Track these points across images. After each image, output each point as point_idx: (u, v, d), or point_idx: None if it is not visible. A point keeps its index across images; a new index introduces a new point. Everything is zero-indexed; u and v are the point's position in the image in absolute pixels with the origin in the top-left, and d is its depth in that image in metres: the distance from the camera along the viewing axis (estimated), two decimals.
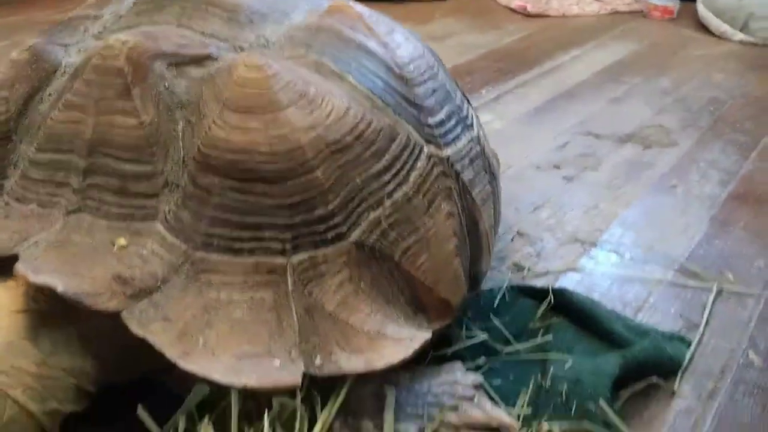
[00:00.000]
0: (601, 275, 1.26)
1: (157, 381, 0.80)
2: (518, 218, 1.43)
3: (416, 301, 0.84)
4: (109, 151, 0.78)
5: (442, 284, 0.86)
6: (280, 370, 0.68)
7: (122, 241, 0.74)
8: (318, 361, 0.71)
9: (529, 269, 1.26)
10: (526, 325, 1.08)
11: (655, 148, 1.80)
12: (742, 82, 2.27)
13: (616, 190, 1.58)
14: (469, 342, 0.99)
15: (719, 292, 1.21)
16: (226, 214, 0.76)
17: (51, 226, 0.77)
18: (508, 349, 1.01)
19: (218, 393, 0.70)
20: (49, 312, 0.73)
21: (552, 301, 1.11)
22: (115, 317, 0.69)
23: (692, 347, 1.06)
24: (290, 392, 0.70)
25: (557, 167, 1.68)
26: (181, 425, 0.69)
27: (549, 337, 1.04)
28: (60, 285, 0.69)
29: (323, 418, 0.71)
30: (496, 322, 1.05)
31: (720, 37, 2.73)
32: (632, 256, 1.33)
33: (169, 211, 0.76)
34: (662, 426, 0.93)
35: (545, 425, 0.85)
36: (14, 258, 0.74)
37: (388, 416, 0.75)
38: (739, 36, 2.67)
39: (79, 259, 0.73)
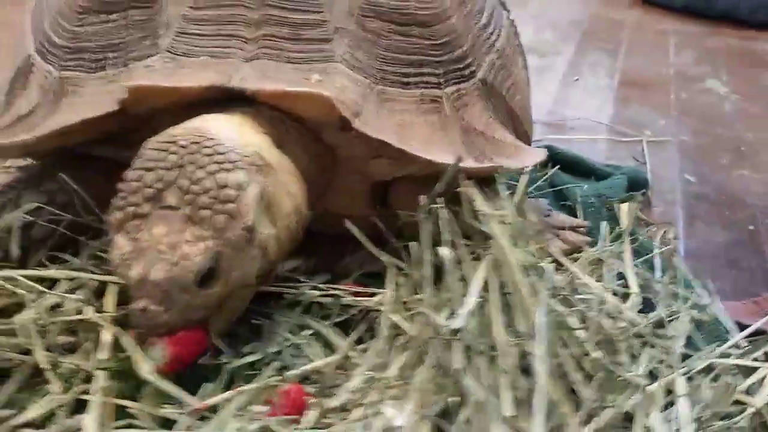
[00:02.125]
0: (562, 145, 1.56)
1: None
2: None
3: (512, 132, 1.06)
4: (279, 3, 0.86)
5: (526, 121, 1.09)
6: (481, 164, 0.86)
7: (317, 76, 0.84)
8: (486, 163, 0.90)
9: None
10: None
11: (549, 56, 2.19)
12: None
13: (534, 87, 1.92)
14: None
15: (648, 141, 1.60)
16: (393, 53, 0.89)
17: (239, 70, 0.83)
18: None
19: None
20: (279, 135, 0.81)
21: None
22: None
23: (649, 175, 1.43)
24: None
25: None
26: None
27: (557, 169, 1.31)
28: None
29: None
30: None
31: None
32: (573, 127, 1.68)
33: (344, 53, 0.87)
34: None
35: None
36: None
37: None
38: None
39: None
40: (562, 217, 1.11)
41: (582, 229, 1.08)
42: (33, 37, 0.96)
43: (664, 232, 1.15)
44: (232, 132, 0.74)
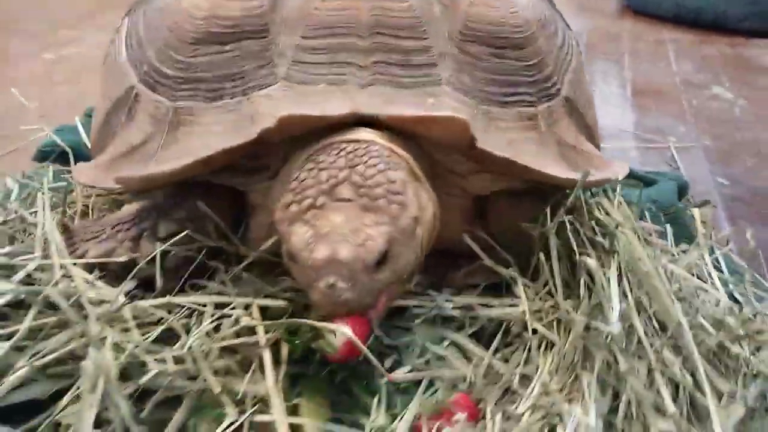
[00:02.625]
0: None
1: None
2: None
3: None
4: (388, 31, 0.90)
5: (597, 135, 1.15)
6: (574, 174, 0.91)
7: (431, 100, 0.89)
8: (596, 176, 0.95)
9: None
10: None
11: None
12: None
13: None
14: None
15: (675, 147, 1.69)
16: (492, 75, 0.94)
17: (362, 96, 0.87)
18: None
19: None
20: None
21: None
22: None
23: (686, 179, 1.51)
24: None
25: None
26: None
27: None
28: None
29: None
30: None
31: None
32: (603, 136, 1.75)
33: (450, 76, 0.92)
34: None
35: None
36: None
37: None
38: None
39: None
40: (643, 224, 1.17)
41: (655, 234, 1.15)
42: (133, 69, 0.97)
43: (715, 233, 1.23)
44: (385, 141, 0.82)
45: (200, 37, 0.91)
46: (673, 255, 1.03)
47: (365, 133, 0.82)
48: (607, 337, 0.71)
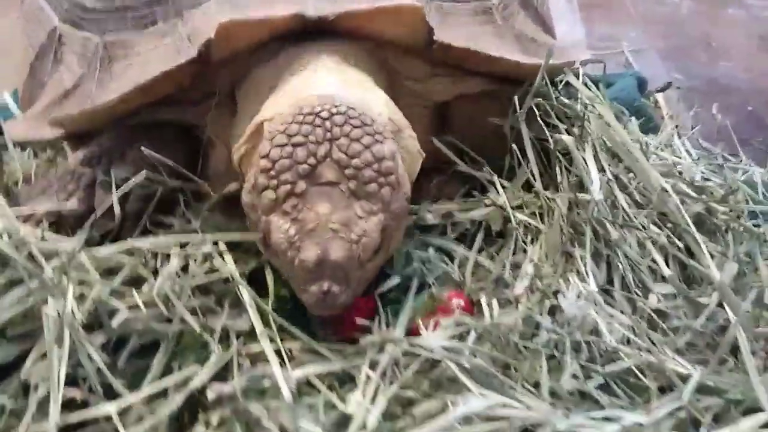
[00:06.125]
0: None
1: None
2: None
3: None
4: None
5: (553, 28, 1.11)
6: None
7: None
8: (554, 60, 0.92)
9: None
10: None
11: None
12: None
13: None
14: None
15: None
16: None
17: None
18: None
19: None
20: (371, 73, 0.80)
21: None
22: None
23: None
24: None
25: None
26: None
27: None
28: None
29: None
30: None
31: None
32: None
33: None
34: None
35: None
36: None
37: None
38: None
39: None
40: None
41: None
42: (52, 9, 0.89)
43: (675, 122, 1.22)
44: (358, 93, 0.72)
45: None
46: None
47: (323, 78, 0.73)
48: (591, 211, 0.69)
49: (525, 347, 0.56)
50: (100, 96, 0.78)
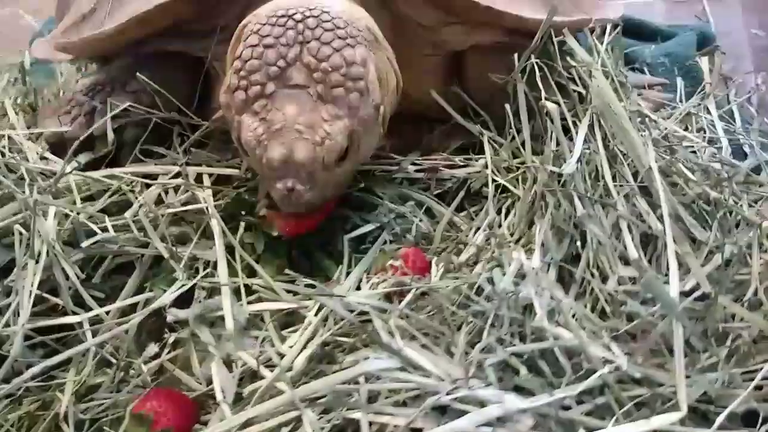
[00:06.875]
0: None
1: None
2: None
3: None
4: None
5: None
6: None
7: None
8: (575, 16, 0.86)
9: None
10: None
11: None
12: None
13: None
14: None
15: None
16: None
17: None
18: None
19: None
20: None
21: None
22: None
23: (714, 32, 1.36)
24: None
25: None
26: None
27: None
28: None
29: None
30: None
31: None
32: None
33: None
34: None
35: None
36: None
37: None
38: None
39: None
40: (639, 77, 1.08)
41: (659, 87, 1.05)
42: None
43: (736, 85, 1.12)
44: (338, 3, 0.72)
45: None
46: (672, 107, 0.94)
47: None
48: (563, 183, 0.66)
49: (453, 315, 0.56)
50: (106, 23, 0.81)
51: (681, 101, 1.04)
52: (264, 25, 0.68)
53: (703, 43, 1.26)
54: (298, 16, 0.68)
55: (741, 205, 0.72)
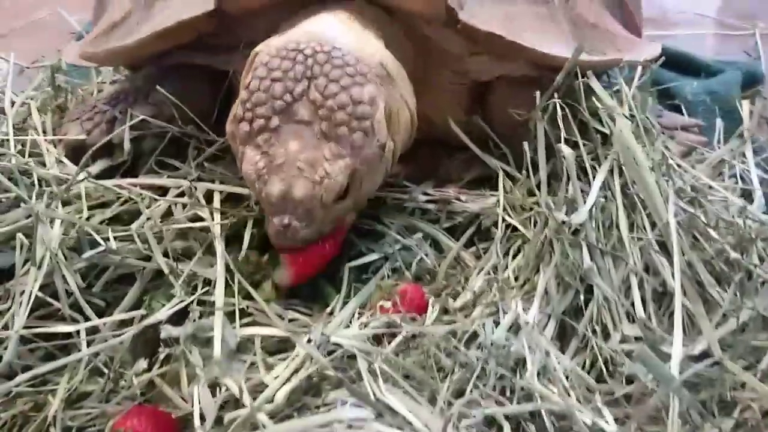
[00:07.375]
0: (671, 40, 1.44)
1: None
2: None
3: (623, 24, 0.97)
4: None
5: (637, 13, 0.99)
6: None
7: None
8: (608, 55, 0.83)
9: None
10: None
11: None
12: None
13: None
14: None
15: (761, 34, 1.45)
16: None
17: None
18: None
19: None
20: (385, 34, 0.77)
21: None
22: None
23: (765, 70, 1.30)
24: None
25: None
26: None
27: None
28: None
29: None
30: None
31: None
32: (676, 21, 1.54)
33: None
34: None
35: None
36: None
37: None
38: None
39: None
40: (673, 117, 1.04)
41: (695, 129, 1.01)
42: None
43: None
44: (352, 38, 0.71)
45: None
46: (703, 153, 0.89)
47: (327, 22, 0.72)
48: (574, 230, 0.63)
49: (437, 363, 0.55)
50: (132, 36, 0.82)
51: (719, 144, 0.99)
52: (274, 57, 0.68)
53: (750, 82, 1.21)
54: (308, 51, 0.68)
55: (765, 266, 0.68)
